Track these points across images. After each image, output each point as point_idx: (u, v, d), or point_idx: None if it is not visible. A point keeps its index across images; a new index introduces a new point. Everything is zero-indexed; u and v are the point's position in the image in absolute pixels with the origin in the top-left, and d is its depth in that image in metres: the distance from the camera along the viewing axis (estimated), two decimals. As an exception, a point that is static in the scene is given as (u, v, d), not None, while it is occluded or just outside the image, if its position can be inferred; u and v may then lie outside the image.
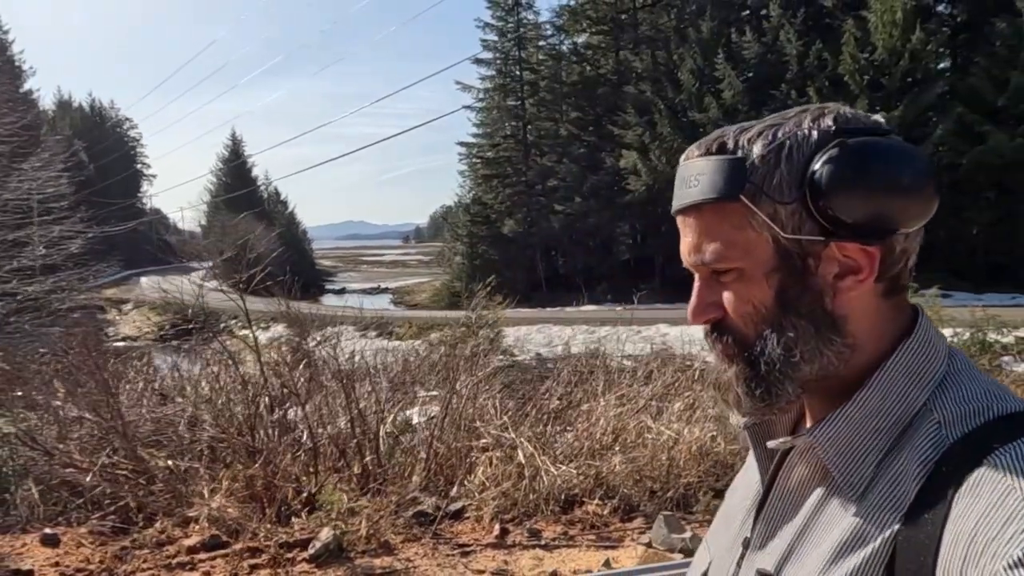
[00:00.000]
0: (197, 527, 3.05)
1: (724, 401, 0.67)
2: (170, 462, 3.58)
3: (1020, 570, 0.45)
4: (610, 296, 24.28)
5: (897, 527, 0.54)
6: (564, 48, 27.96)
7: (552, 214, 26.35)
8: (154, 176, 67.46)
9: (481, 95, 28.83)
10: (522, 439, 3.77)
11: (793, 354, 0.62)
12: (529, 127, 28.22)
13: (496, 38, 27.98)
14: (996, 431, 0.55)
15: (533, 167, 28.03)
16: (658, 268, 24.20)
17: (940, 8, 19.58)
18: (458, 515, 3.36)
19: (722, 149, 0.62)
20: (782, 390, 0.63)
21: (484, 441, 4.05)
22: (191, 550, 2.86)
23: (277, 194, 55.03)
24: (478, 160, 29.12)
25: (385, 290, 43.87)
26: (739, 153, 0.61)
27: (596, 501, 3.38)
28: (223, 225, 46.27)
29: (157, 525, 3.15)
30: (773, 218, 0.61)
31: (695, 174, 0.64)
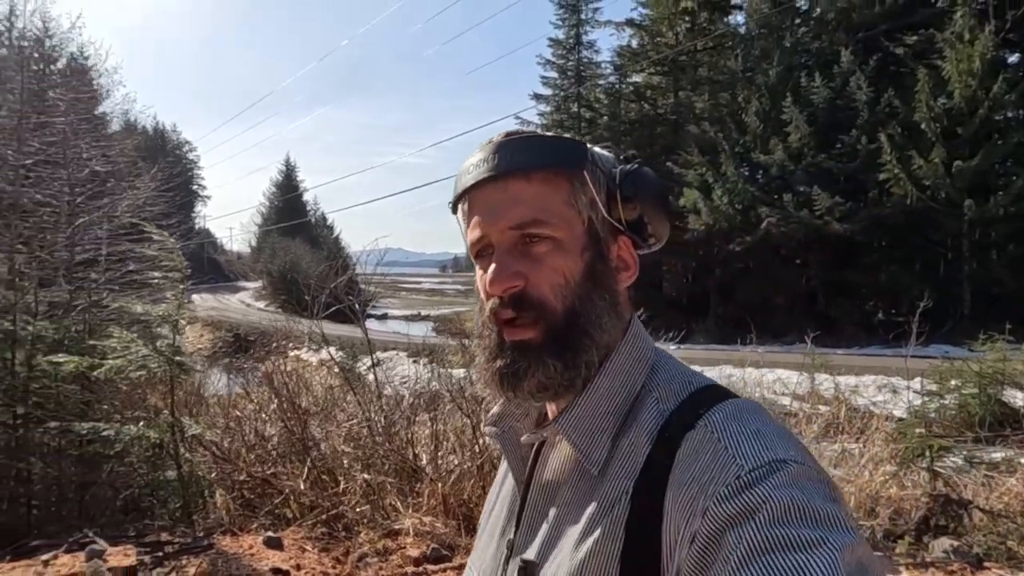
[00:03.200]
0: (411, 540, 3.14)
1: (512, 376, 0.67)
2: (366, 475, 3.70)
3: (725, 504, 0.53)
4: (662, 333, 24.21)
5: (632, 489, 0.61)
6: (623, 87, 28.36)
7: (607, 249, 26.45)
8: (208, 197, 69.67)
9: (539, 130, 29.29)
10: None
11: (599, 324, 0.68)
12: (585, 163, 28.51)
13: (556, 75, 28.55)
14: (700, 399, 0.64)
15: (587, 202, 28.22)
16: (712, 308, 24.05)
17: (1012, 59, 19.43)
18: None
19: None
20: (589, 359, 0.67)
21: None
22: (417, 561, 2.95)
23: (324, 219, 56.37)
24: (533, 193, 29.46)
25: (426, 317, 44.15)
26: None
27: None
28: (273, 247, 47.57)
29: (363, 536, 3.25)
30: (595, 201, 0.69)
31: (526, 145, 0.69)
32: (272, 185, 56.60)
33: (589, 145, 0.71)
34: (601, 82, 28.74)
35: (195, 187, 63.97)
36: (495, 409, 0.78)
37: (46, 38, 12.95)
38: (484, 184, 0.69)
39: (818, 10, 21.26)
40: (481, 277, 0.72)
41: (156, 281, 4.26)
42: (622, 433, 0.66)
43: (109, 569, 2.49)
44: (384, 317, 45.37)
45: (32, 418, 4.11)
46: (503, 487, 0.81)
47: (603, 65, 28.78)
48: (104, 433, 3.48)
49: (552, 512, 0.67)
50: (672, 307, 26.01)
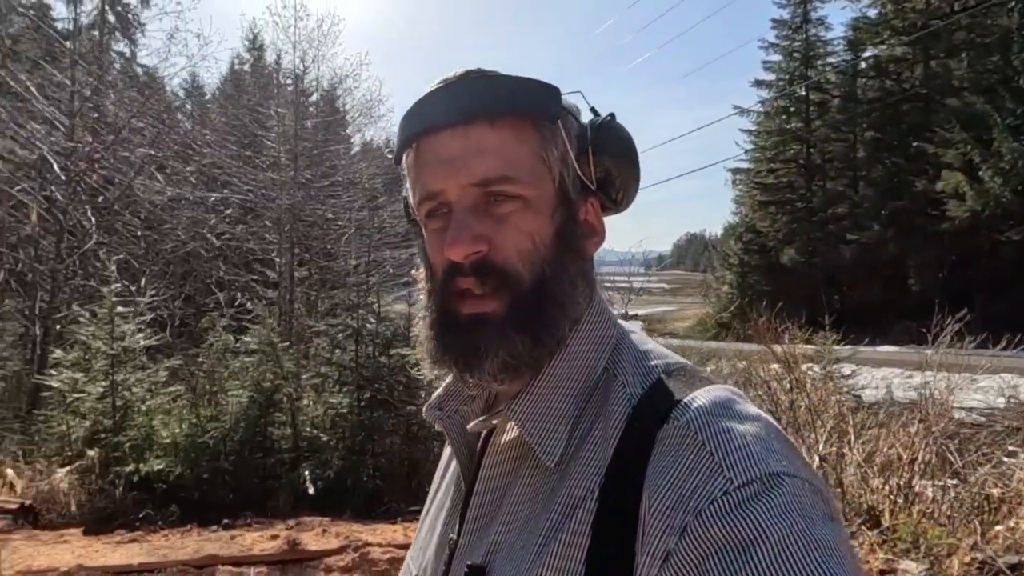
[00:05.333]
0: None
1: (471, 356, 0.58)
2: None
3: (711, 525, 0.46)
4: (912, 336, 21.53)
5: (599, 489, 0.53)
6: (859, 63, 25.73)
7: (842, 243, 24.16)
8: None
9: (759, 118, 27.70)
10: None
11: (572, 295, 0.60)
12: (813, 150, 26.38)
13: (780, 58, 26.76)
14: (673, 385, 0.56)
15: (817, 192, 26.09)
16: (978, 307, 20.86)
17: None
18: (1017, 568, 3.05)
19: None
20: (560, 334, 0.59)
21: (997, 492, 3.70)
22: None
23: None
24: (756, 187, 27.89)
25: (634, 317, 43.97)
26: None
27: None
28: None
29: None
30: (567, 155, 0.61)
31: (491, 85, 0.58)
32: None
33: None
34: (832, 60, 26.35)
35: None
36: (439, 391, 0.69)
37: (304, 74, 14.78)
38: (439, 130, 0.58)
39: None
40: (432, 241, 0.62)
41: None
42: (582, 422, 0.58)
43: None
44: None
45: (374, 402, 4.77)
46: (447, 475, 0.72)
47: (834, 42, 26.37)
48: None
49: (502, 511, 0.59)
50: (921, 305, 23.05)
